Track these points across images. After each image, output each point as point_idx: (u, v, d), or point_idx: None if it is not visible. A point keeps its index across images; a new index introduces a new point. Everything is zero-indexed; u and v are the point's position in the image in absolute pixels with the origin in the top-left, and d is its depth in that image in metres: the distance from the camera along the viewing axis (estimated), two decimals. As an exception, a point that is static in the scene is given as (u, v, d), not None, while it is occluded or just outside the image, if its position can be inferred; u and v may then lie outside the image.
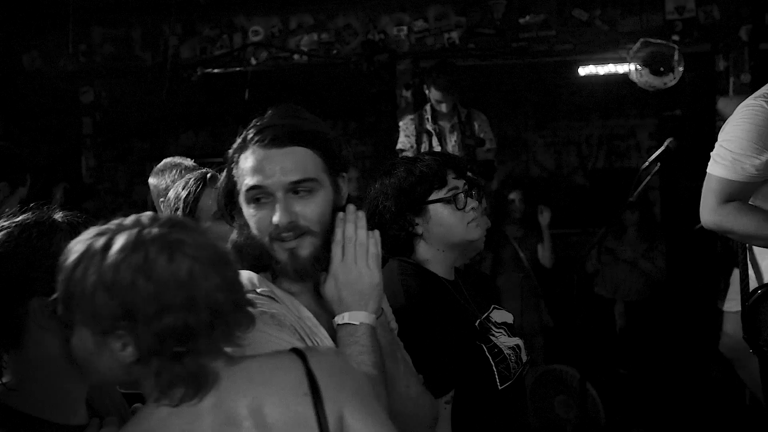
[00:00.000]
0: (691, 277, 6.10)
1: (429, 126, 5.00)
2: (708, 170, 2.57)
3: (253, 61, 6.01)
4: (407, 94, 5.90)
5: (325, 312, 1.58)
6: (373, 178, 2.13)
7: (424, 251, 2.07)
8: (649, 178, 3.83)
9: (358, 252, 1.56)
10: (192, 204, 2.53)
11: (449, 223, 2.03)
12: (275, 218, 1.51)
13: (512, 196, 5.69)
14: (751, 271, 2.62)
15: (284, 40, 6.02)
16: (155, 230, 1.21)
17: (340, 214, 1.57)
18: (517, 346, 2.06)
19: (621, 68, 5.53)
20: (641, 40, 4.97)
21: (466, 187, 2.06)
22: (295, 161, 1.53)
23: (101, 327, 1.19)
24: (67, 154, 6.29)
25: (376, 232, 1.60)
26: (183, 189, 2.56)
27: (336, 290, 1.55)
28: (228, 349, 1.25)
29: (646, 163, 3.85)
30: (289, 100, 1.64)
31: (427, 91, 5.04)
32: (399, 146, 5.06)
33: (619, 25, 5.69)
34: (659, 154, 3.81)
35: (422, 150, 4.90)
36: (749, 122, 2.47)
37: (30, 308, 1.32)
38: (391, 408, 1.51)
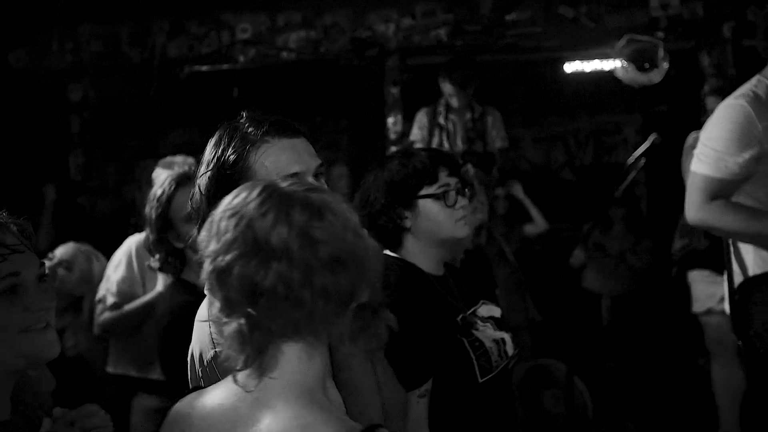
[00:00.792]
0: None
1: (441, 120, 5.01)
2: (692, 168, 2.62)
3: (242, 59, 6.00)
4: (395, 90, 5.91)
5: None
6: (364, 172, 2.16)
7: (411, 245, 2.10)
8: (634, 173, 3.87)
9: None
10: (164, 204, 2.54)
11: (438, 219, 2.06)
12: None
13: (498, 192, 5.72)
14: (735, 267, 2.66)
15: (272, 38, 6.02)
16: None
17: None
18: (502, 339, 2.08)
19: (607, 65, 5.58)
20: (626, 36, 5.01)
21: (458, 185, 2.10)
22: (310, 148, 1.63)
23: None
24: (55, 152, 6.26)
25: None
26: (159, 188, 2.57)
27: None
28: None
29: (631, 159, 3.89)
30: (277, 97, 1.68)
31: (441, 85, 5.02)
32: (411, 138, 5.07)
33: (605, 22, 5.72)
34: (644, 150, 3.86)
35: (434, 144, 4.92)
36: (731, 121, 2.52)
37: None
38: None
